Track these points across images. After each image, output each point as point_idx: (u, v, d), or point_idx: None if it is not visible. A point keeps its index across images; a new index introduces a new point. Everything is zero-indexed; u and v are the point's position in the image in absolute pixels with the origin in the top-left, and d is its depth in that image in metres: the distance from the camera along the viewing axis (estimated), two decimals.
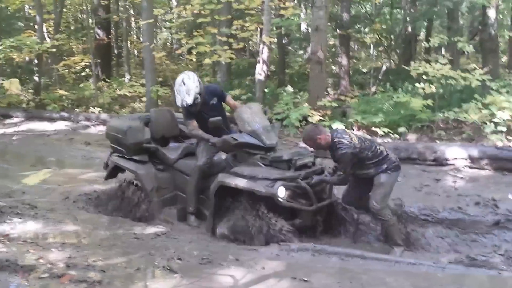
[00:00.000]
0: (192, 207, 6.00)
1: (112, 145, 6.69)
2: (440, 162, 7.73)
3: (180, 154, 6.38)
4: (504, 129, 8.89)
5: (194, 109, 5.80)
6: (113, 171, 6.81)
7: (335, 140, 5.06)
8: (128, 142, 6.27)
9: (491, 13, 12.54)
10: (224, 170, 5.63)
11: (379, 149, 5.21)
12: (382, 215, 5.17)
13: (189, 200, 6.03)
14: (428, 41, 12.38)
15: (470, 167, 7.53)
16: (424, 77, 10.27)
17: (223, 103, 6.25)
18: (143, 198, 6.31)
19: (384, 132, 9.72)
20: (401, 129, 9.77)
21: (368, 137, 5.44)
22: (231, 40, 13.91)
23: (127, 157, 6.42)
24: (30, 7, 23.17)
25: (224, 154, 5.99)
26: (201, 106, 5.84)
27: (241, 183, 5.27)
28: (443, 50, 17.63)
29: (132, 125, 6.37)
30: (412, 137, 9.68)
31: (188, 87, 5.67)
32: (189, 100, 5.67)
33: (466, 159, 7.58)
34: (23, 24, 22.96)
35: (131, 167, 6.36)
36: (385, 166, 5.14)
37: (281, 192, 5.06)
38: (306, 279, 4.01)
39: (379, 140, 9.47)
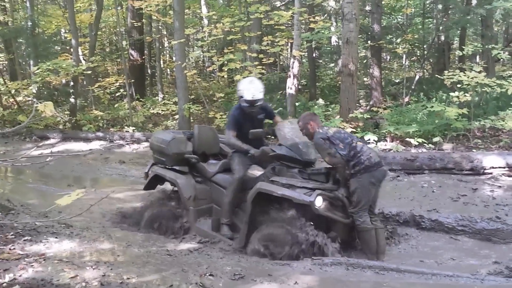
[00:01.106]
0: (226, 218, 6.08)
1: (154, 155, 6.91)
2: (477, 171, 7.55)
3: (219, 169, 6.57)
4: None
5: (254, 110, 5.95)
6: (153, 182, 6.99)
7: (315, 131, 5.48)
8: (171, 152, 6.51)
9: None
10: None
11: (353, 143, 5.35)
12: (356, 217, 5.24)
13: (224, 211, 6.12)
14: (461, 49, 12.18)
15: (509, 176, 7.33)
16: (459, 85, 10.09)
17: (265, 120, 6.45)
18: (180, 212, 6.51)
19: (418, 142, 9.57)
20: (436, 139, 9.58)
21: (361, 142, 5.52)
22: (261, 55, 13.98)
23: (168, 167, 6.61)
24: (66, 31, 23.80)
25: (258, 171, 6.12)
26: (249, 117, 6.01)
27: (279, 190, 5.32)
28: (477, 57, 17.32)
29: (176, 136, 6.63)
30: (447, 146, 9.48)
31: (257, 86, 5.89)
32: (260, 96, 5.86)
33: (504, 168, 7.38)
34: (59, 48, 23.57)
35: (171, 176, 6.55)
36: (351, 164, 5.25)
37: (319, 201, 5.08)
38: None
39: (413, 150, 9.34)
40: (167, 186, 7.02)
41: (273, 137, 6.41)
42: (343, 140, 5.36)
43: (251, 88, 5.85)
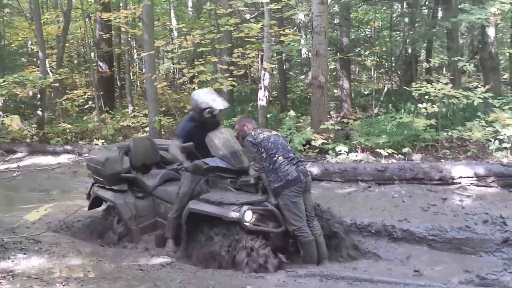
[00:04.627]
0: (170, 233, 6.08)
1: (93, 176, 6.89)
2: (446, 181, 7.66)
3: (159, 181, 6.59)
4: (509, 145, 8.81)
5: (211, 118, 6.03)
6: (96, 201, 6.96)
7: (249, 133, 5.63)
8: (106, 173, 6.49)
9: (491, 31, 12.59)
10: (198, 196, 5.75)
11: (275, 157, 5.42)
12: (299, 232, 5.34)
13: (167, 226, 6.13)
14: (428, 61, 12.40)
15: (477, 185, 7.45)
16: (426, 97, 10.26)
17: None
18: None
19: (388, 153, 9.67)
20: (405, 150, 9.71)
21: (285, 147, 5.63)
22: (232, 67, 14.00)
23: (107, 187, 6.61)
24: (33, 43, 23.45)
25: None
26: (204, 127, 6.01)
27: (209, 209, 5.37)
28: (444, 69, 17.68)
29: (110, 156, 6.59)
30: (416, 157, 9.61)
31: (217, 95, 6.10)
32: (226, 104, 6.15)
33: (472, 177, 7.50)
34: (26, 60, 23.21)
35: (110, 197, 6.56)
36: (271, 177, 5.36)
37: (248, 216, 5.14)
38: None
39: (383, 161, 9.44)
40: None
41: None
42: (267, 150, 5.45)
43: (216, 99, 5.97)
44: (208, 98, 5.95)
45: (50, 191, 11.01)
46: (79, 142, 16.77)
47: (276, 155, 5.42)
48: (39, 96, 17.52)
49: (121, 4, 21.77)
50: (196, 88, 13.65)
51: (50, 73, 18.54)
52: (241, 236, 5.17)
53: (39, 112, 17.39)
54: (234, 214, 5.14)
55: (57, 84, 17.64)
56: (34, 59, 22.48)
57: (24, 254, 5.24)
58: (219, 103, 5.95)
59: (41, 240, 6.02)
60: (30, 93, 18.36)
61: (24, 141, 17.01)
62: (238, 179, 5.65)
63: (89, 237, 6.74)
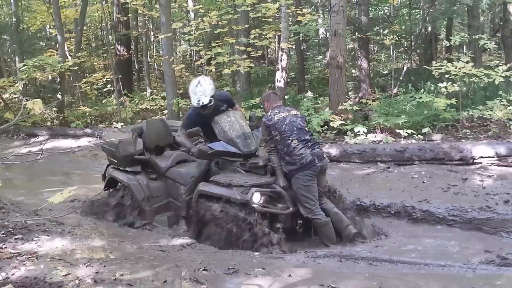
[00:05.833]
0: (184, 213, 6.21)
1: (108, 157, 7.02)
2: (466, 161, 7.59)
3: (172, 163, 6.68)
4: None
5: (207, 111, 5.89)
6: (111, 182, 7.05)
7: (267, 111, 5.63)
8: (120, 155, 6.58)
9: None
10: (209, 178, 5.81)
11: (289, 139, 5.40)
12: (313, 215, 5.37)
13: (182, 207, 6.24)
14: (448, 40, 12.20)
15: (498, 165, 7.36)
16: (447, 76, 10.12)
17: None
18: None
19: (407, 133, 9.59)
20: (425, 130, 9.61)
21: (303, 131, 5.58)
22: (249, 49, 13.94)
23: (121, 168, 6.71)
24: (51, 27, 23.57)
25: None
26: (212, 111, 5.95)
27: (218, 191, 5.46)
28: (464, 48, 17.39)
29: (124, 138, 6.69)
30: (437, 137, 9.51)
31: (204, 88, 5.77)
32: (206, 100, 5.76)
33: (493, 157, 7.42)
34: (44, 44, 23.34)
35: (123, 179, 6.65)
36: (285, 160, 5.40)
37: (256, 198, 5.19)
38: (334, 285, 3.94)
39: (403, 141, 9.37)
40: None
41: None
42: (281, 133, 5.44)
43: (197, 93, 5.75)
44: (191, 90, 5.83)
45: (72, 173, 11.15)
46: (99, 125, 16.89)
47: (291, 138, 5.41)
48: (58, 79, 17.66)
49: None
50: (213, 70, 13.65)
51: (69, 57, 18.64)
52: (249, 217, 5.23)
53: (59, 96, 17.53)
54: (243, 196, 5.20)
55: (76, 68, 17.71)
56: (53, 43, 22.59)
57: (48, 235, 5.32)
58: (195, 99, 5.77)
59: (64, 222, 6.11)
60: (50, 77, 18.51)
61: (45, 124, 17.19)
62: (248, 161, 5.69)
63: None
